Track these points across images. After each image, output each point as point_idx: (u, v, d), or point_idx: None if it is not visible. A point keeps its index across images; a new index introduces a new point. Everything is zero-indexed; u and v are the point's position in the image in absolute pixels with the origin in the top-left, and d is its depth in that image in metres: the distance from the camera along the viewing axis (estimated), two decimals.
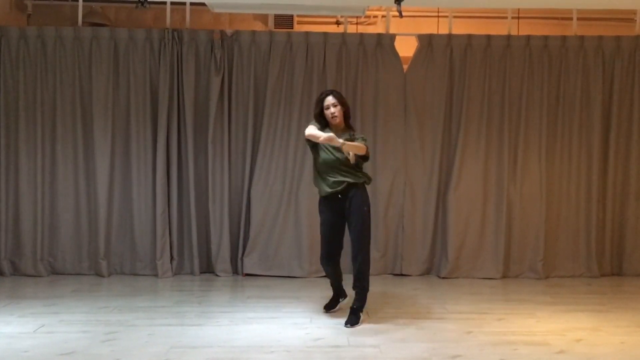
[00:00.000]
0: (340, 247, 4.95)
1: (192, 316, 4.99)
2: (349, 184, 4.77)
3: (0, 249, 6.48)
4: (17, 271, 6.49)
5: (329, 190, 4.79)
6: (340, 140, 4.58)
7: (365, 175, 4.92)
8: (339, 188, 4.77)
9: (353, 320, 4.74)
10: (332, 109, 4.82)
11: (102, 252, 6.50)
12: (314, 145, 4.83)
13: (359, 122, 6.69)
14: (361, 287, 4.81)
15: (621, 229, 6.87)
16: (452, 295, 5.90)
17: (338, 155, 4.75)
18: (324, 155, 4.81)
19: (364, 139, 4.90)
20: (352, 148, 4.62)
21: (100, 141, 6.50)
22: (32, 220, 6.49)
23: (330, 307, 5.13)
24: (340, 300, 5.17)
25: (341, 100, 4.87)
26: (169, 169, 6.54)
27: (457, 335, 4.53)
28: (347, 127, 4.94)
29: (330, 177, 4.79)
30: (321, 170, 4.85)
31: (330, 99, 4.83)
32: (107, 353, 4.06)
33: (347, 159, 4.68)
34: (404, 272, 6.74)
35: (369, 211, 4.88)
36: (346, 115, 4.91)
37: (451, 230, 6.68)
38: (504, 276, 6.68)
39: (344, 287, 5.15)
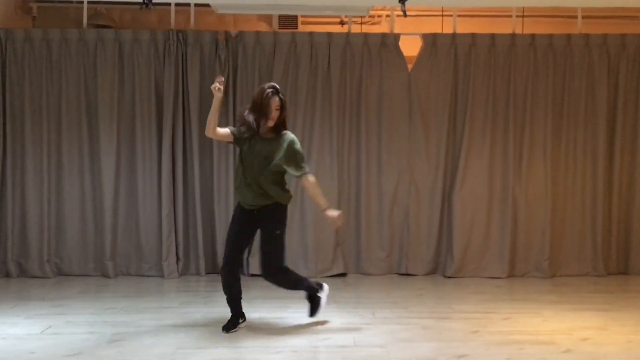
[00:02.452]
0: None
1: (198, 317, 5.00)
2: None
3: (7, 250, 6.50)
4: (23, 273, 6.52)
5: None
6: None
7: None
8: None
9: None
10: (275, 113, 4.48)
11: (108, 254, 6.52)
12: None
13: (364, 122, 6.70)
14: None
15: (627, 227, 6.85)
16: (457, 295, 5.90)
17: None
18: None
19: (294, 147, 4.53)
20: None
21: (106, 142, 6.52)
22: (39, 222, 6.51)
23: None
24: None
25: (284, 105, 4.52)
26: (174, 170, 6.55)
27: (463, 335, 4.53)
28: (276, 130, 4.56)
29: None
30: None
31: (277, 101, 4.46)
32: (113, 354, 4.07)
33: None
34: (409, 272, 6.74)
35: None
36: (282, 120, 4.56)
37: (456, 230, 6.67)
38: (510, 275, 6.67)
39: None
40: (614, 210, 6.81)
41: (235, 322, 4.67)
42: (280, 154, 4.45)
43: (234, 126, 4.74)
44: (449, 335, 4.53)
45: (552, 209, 6.69)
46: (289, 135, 4.56)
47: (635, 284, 6.42)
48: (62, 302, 5.48)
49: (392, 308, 5.27)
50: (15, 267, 6.51)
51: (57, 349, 4.16)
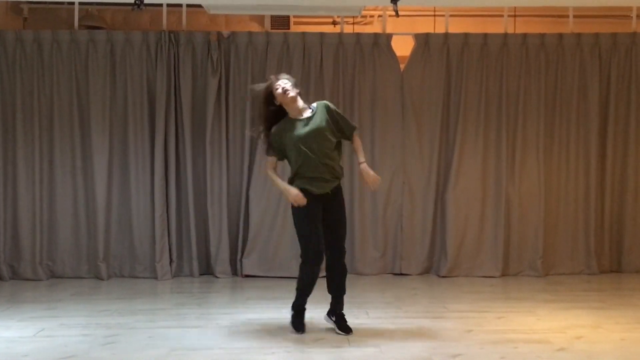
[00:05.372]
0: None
1: (192, 318, 4.98)
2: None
3: None
4: (16, 275, 6.49)
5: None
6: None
7: None
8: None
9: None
10: (282, 87, 4.36)
11: (101, 255, 6.50)
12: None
13: (357, 122, 6.67)
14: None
15: (620, 226, 6.88)
16: (451, 294, 5.90)
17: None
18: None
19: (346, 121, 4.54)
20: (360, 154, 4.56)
21: (98, 144, 6.50)
22: (31, 224, 6.48)
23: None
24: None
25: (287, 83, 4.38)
26: (167, 171, 6.53)
27: (458, 334, 4.52)
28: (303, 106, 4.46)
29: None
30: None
31: (279, 88, 4.36)
32: (107, 356, 4.05)
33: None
34: (403, 272, 6.75)
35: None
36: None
37: (450, 229, 6.68)
38: (504, 274, 6.68)
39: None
40: (607, 209, 6.84)
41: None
42: (327, 124, 4.40)
43: (268, 151, 4.55)
44: (444, 334, 4.53)
45: (545, 207, 6.71)
46: (319, 103, 4.51)
47: (628, 282, 6.45)
48: (55, 304, 5.45)
49: (386, 308, 5.27)
50: (8, 270, 6.47)
51: (50, 351, 4.13)
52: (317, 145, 4.35)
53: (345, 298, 4.60)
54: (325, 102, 4.55)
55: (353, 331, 4.49)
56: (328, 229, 4.45)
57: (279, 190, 4.60)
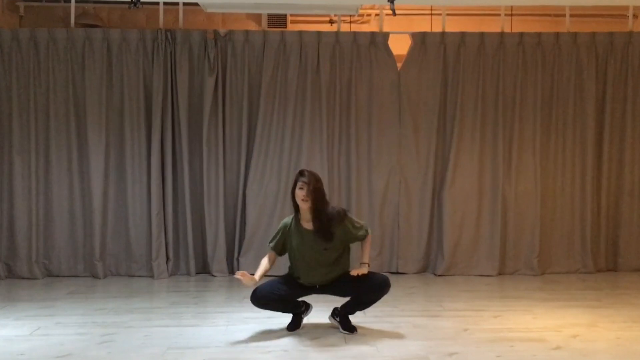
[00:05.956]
0: None
1: (189, 317, 4.98)
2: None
3: None
4: (12, 274, 6.47)
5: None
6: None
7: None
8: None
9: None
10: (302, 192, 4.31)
11: (98, 254, 6.49)
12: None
13: (353, 121, 6.70)
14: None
15: (616, 225, 6.89)
16: (448, 293, 5.91)
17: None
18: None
19: (360, 228, 4.47)
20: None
21: (95, 142, 6.48)
22: (27, 222, 6.47)
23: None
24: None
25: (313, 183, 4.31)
26: (163, 169, 6.52)
27: (454, 333, 4.53)
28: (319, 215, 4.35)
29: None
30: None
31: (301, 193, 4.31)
32: (103, 355, 4.04)
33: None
34: (400, 271, 6.75)
35: None
36: (317, 199, 4.32)
37: (447, 228, 6.69)
38: (500, 273, 6.69)
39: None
40: (603, 208, 6.85)
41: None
42: (335, 242, 4.38)
43: (271, 241, 4.60)
44: (440, 333, 4.54)
45: (541, 206, 6.72)
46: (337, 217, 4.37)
47: (624, 281, 6.46)
48: (52, 303, 5.45)
49: (382, 306, 5.25)
50: (4, 269, 6.46)
51: (46, 350, 4.13)
52: (315, 261, 4.41)
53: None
54: (340, 211, 4.41)
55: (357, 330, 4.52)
56: (350, 290, 4.45)
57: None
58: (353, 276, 4.34)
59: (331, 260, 4.43)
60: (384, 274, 4.67)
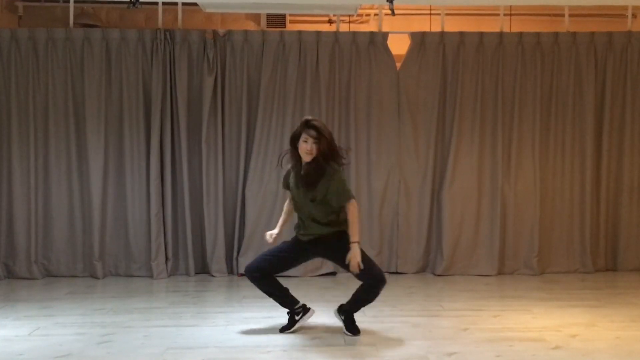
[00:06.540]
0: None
1: (188, 317, 4.98)
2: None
3: None
4: (11, 274, 6.47)
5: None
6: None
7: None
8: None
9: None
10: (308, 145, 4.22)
11: (97, 254, 6.48)
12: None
13: (353, 121, 6.69)
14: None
15: (615, 225, 6.90)
16: (447, 293, 5.91)
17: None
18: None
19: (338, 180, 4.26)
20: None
21: (94, 142, 6.48)
22: (26, 223, 6.46)
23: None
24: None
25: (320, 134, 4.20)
26: (162, 169, 6.52)
27: (453, 333, 4.53)
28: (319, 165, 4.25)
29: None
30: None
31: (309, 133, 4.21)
32: (102, 355, 4.04)
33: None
34: (399, 270, 6.75)
35: None
36: (323, 152, 4.21)
37: (446, 228, 6.69)
38: (499, 273, 6.69)
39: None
40: (602, 207, 6.85)
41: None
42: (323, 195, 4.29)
43: (284, 183, 4.63)
44: (439, 333, 4.54)
45: (540, 206, 6.72)
46: (331, 169, 4.28)
47: (623, 281, 6.46)
48: (51, 303, 5.44)
49: (382, 306, 5.26)
50: (3, 269, 6.45)
51: (45, 350, 4.13)
52: (307, 214, 4.39)
53: (342, 296, 4.61)
54: (335, 170, 4.29)
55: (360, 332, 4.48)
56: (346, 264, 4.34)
57: None
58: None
59: (321, 214, 4.32)
60: (379, 269, 4.53)
